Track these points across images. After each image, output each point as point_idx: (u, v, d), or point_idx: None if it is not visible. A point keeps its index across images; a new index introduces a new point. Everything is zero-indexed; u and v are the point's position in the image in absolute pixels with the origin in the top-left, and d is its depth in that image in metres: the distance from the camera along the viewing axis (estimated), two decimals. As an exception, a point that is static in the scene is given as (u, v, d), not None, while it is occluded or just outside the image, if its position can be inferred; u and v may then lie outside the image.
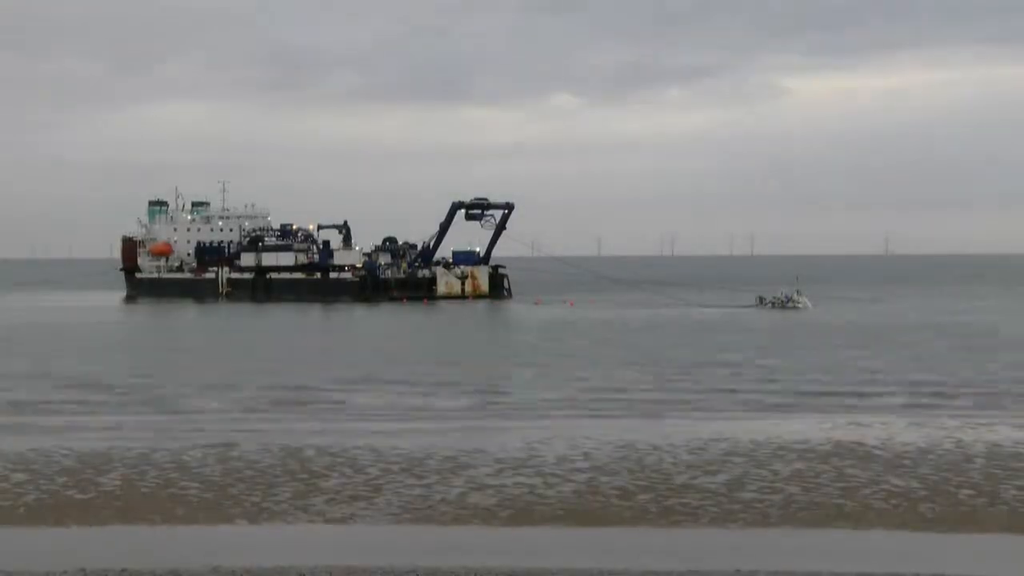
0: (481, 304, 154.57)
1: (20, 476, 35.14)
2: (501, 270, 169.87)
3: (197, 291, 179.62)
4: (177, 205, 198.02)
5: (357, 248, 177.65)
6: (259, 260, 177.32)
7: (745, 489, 32.29)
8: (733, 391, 57.97)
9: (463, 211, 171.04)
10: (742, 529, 28.13)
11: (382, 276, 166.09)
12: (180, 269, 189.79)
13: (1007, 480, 33.35)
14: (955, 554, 25.95)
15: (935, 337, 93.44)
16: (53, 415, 50.22)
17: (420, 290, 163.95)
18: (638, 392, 57.73)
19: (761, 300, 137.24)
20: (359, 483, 33.82)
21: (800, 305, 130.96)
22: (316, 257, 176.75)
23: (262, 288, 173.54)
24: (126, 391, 60.10)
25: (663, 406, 51.87)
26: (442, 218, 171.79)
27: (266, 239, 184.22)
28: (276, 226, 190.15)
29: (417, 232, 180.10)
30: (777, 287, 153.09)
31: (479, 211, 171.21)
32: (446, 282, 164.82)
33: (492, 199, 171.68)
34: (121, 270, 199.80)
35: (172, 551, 26.33)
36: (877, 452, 38.25)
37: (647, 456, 37.73)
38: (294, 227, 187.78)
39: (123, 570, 23.97)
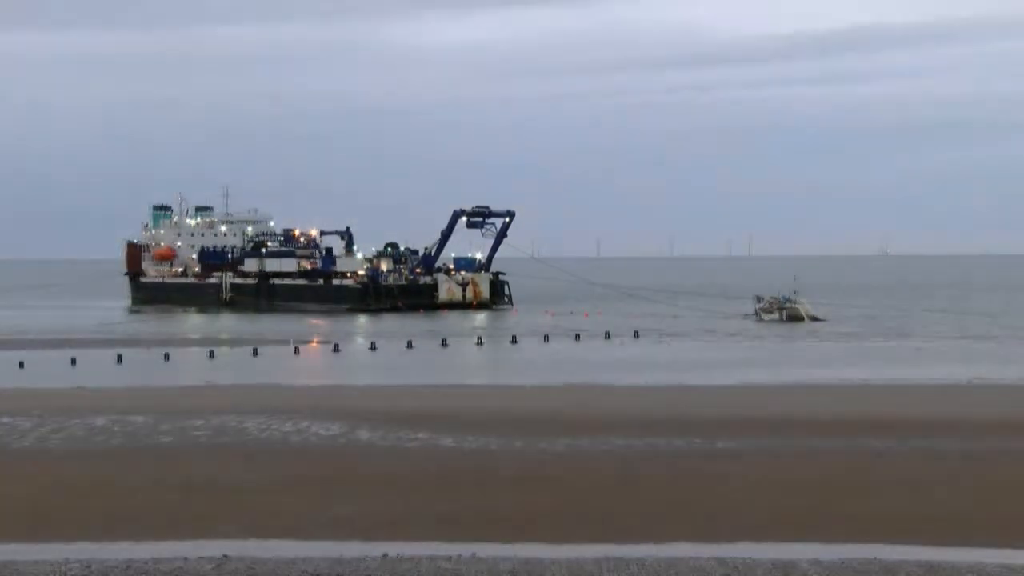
0: (484, 315, 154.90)
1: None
2: (502, 277, 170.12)
3: (201, 296, 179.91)
4: (181, 210, 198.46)
5: (359, 254, 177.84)
6: (262, 266, 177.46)
7: None
8: None
9: (464, 219, 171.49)
10: None
11: (384, 283, 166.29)
12: (184, 274, 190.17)
13: None
14: None
15: None
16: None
17: (422, 297, 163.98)
18: None
19: (759, 300, 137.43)
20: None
21: (799, 306, 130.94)
22: (319, 263, 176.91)
23: (265, 294, 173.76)
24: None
25: None
26: (443, 225, 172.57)
27: (268, 244, 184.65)
28: (279, 231, 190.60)
29: (419, 238, 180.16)
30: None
31: (480, 219, 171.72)
32: (447, 288, 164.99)
33: (493, 207, 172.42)
34: (125, 274, 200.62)
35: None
36: None
37: None
38: (296, 232, 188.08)
39: (128, 566, 24.44)
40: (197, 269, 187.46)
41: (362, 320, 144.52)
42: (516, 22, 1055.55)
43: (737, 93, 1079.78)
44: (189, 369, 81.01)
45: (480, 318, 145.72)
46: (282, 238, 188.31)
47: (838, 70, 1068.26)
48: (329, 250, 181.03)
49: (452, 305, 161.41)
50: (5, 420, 47.65)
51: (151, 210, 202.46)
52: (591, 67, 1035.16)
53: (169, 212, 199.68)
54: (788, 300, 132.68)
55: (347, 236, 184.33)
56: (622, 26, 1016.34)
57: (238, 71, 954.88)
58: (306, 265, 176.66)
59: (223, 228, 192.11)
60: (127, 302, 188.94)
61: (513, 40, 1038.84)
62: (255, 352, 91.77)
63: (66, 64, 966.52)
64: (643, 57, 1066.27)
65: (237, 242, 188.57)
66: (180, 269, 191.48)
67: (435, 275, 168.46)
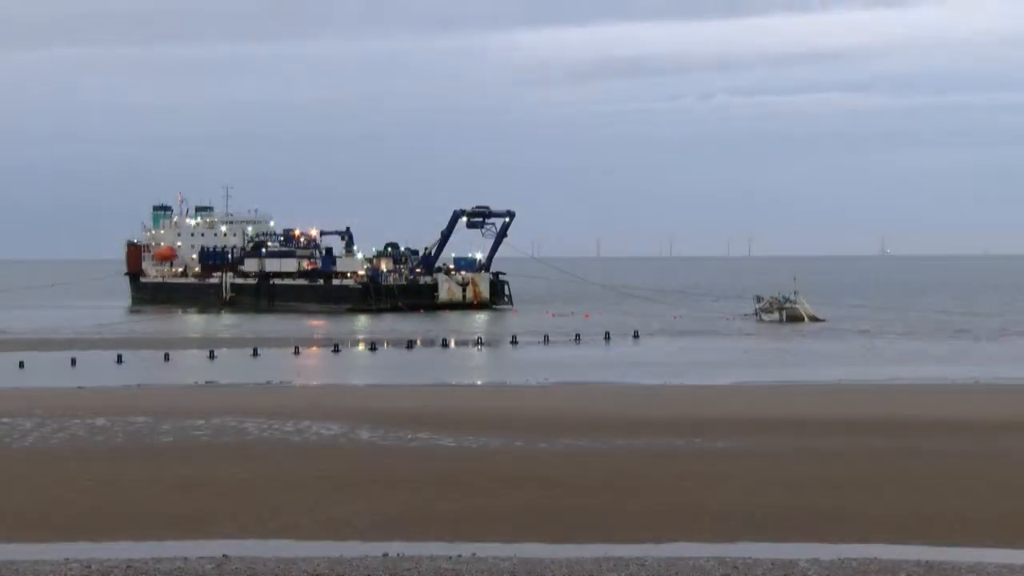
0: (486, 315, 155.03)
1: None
2: (502, 277, 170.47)
3: (201, 296, 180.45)
4: (181, 210, 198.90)
5: (359, 254, 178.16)
6: (262, 266, 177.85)
7: None
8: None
9: (464, 219, 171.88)
10: None
11: (384, 283, 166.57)
12: (184, 274, 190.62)
13: None
14: None
15: None
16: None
17: (422, 297, 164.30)
18: None
19: (759, 299, 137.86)
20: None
21: (799, 306, 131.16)
22: (319, 263, 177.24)
23: (265, 294, 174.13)
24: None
25: None
26: (443, 225, 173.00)
27: (269, 244, 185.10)
28: (279, 231, 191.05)
29: (419, 238, 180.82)
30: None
31: (480, 219, 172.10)
32: (448, 288, 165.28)
33: (493, 207, 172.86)
34: (126, 274, 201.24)
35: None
36: None
37: None
38: (296, 232, 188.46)
39: (128, 566, 24.48)
40: (197, 269, 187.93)
41: (362, 320, 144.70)
42: (521, 36, 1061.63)
43: (737, 97, 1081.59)
44: (189, 369, 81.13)
45: (480, 318, 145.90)
46: (282, 238, 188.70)
47: (835, 74, 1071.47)
48: (329, 250, 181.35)
49: (452, 305, 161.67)
50: (5, 420, 47.68)
51: (151, 210, 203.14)
52: (592, 72, 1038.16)
53: (169, 212, 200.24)
54: (788, 300, 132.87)
55: (347, 236, 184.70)
56: (623, 40, 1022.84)
57: (237, 73, 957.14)
58: (306, 265, 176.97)
59: (223, 228, 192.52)
60: (127, 302, 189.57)
61: (517, 46, 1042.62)
62: (255, 352, 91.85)
63: (68, 68, 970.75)
64: (644, 64, 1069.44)
65: (237, 242, 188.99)
66: (180, 269, 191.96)
67: (435, 275, 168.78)
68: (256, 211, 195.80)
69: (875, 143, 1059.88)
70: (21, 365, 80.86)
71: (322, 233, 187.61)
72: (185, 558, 25.11)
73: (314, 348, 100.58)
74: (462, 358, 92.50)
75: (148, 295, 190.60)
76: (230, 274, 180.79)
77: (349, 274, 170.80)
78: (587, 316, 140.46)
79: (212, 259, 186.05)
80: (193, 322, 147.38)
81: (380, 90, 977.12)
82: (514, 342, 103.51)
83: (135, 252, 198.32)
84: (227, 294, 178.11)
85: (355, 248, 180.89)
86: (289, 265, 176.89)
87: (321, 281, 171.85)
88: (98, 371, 77.77)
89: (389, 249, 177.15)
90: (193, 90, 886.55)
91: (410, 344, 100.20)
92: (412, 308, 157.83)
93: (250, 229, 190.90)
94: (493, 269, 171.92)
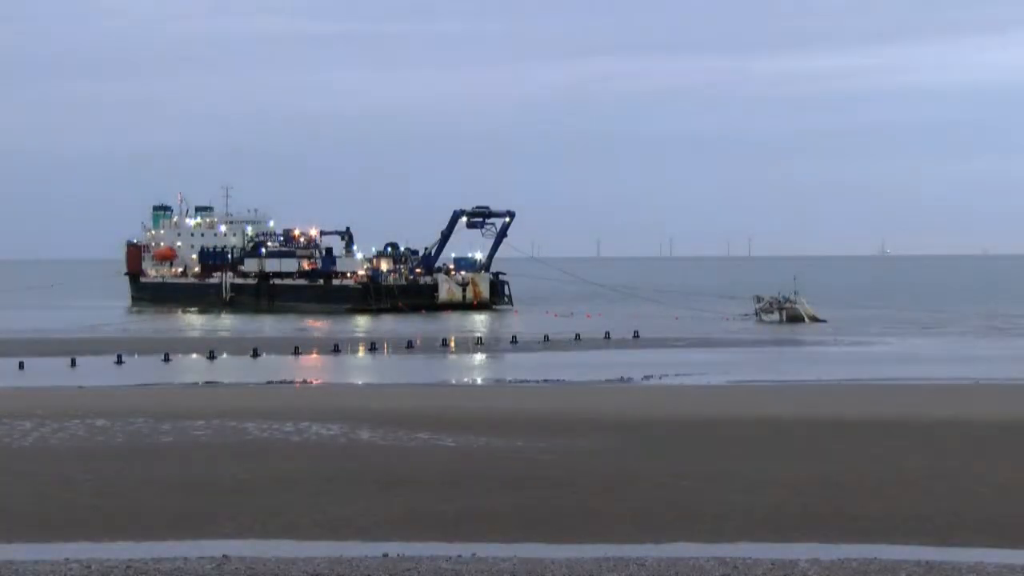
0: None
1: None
2: (502, 277, 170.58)
3: (201, 296, 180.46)
4: (181, 210, 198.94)
5: (359, 254, 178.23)
6: (262, 266, 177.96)
7: None
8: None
9: (464, 219, 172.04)
10: None
11: (384, 283, 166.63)
12: (184, 274, 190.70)
13: None
14: None
15: None
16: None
17: (422, 297, 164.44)
18: None
19: (759, 299, 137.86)
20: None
21: (799, 306, 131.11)
22: (319, 263, 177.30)
23: (265, 294, 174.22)
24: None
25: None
26: (443, 226, 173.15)
27: (269, 244, 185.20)
28: (279, 231, 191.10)
29: (419, 238, 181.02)
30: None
31: (480, 219, 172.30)
32: (448, 288, 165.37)
33: (493, 207, 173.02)
34: (126, 274, 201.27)
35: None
36: None
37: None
38: (296, 232, 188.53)
39: (128, 566, 24.47)
40: (197, 269, 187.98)
41: (362, 320, 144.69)
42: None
43: (735, 96, 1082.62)
44: (189, 370, 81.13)
45: (481, 318, 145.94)
46: (282, 238, 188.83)
47: (833, 72, 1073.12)
48: (329, 250, 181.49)
49: (452, 305, 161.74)
50: (5, 420, 47.66)
51: (151, 210, 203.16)
52: (592, 71, 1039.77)
53: (169, 212, 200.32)
54: (788, 300, 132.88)
55: (347, 236, 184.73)
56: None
57: (234, 71, 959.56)
58: (306, 265, 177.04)
59: (223, 228, 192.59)
60: (127, 302, 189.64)
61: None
62: (255, 353, 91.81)
63: (80, 89, 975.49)
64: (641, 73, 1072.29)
65: (237, 242, 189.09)
66: (180, 269, 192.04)
67: (435, 275, 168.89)
68: (256, 211, 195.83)
69: (875, 145, 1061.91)
70: (21, 366, 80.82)
71: (322, 233, 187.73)
72: (185, 558, 25.14)
73: (314, 348, 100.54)
74: (462, 358, 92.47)
75: (148, 295, 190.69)
76: (230, 274, 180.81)
77: (349, 274, 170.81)
78: (589, 316, 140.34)
79: (212, 259, 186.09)
80: (193, 322, 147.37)
81: (381, 97, 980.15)
82: (514, 342, 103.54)
83: (135, 252, 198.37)
84: (227, 294, 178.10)
85: (355, 248, 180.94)
86: (289, 265, 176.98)
87: (321, 281, 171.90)
88: (98, 371, 77.76)
89: (389, 249, 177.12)
90: (201, 96, 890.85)
91: (410, 344, 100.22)
92: (412, 308, 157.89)
93: (250, 229, 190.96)
94: (493, 269, 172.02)
